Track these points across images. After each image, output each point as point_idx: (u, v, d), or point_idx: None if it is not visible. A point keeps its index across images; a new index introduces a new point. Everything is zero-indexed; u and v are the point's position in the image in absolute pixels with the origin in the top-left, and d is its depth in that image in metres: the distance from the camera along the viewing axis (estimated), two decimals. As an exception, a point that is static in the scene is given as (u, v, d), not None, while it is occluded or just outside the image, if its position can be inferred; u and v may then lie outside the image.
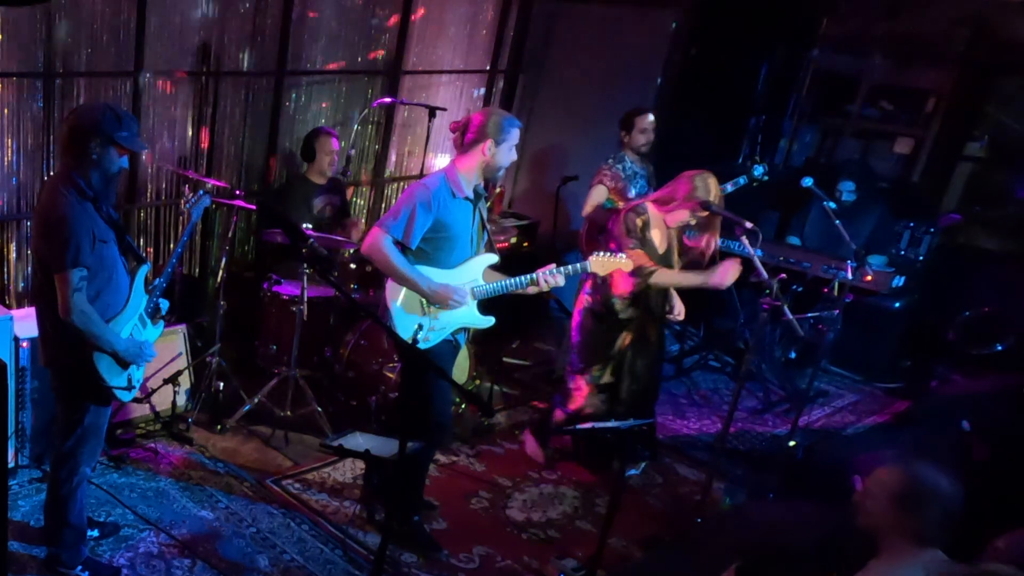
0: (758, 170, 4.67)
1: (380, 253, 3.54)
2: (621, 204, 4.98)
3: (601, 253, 3.79)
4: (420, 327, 3.54)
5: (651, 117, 5.32)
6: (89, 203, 3.04)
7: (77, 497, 3.40)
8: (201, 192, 3.62)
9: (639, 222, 4.13)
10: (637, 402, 4.42)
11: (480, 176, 3.58)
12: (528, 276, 3.67)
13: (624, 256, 3.81)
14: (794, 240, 6.03)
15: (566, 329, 5.39)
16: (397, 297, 3.65)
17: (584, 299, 4.43)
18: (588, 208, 5.32)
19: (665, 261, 4.23)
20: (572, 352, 4.49)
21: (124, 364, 3.21)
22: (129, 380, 3.28)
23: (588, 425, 3.76)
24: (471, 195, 3.59)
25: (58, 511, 3.40)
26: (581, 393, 4.45)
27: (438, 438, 3.94)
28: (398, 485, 3.81)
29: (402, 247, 3.55)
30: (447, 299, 3.57)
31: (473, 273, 3.67)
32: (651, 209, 4.18)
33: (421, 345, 3.58)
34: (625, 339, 4.33)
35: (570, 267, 3.75)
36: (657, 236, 4.19)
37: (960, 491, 2.36)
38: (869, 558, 2.48)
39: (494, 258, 3.74)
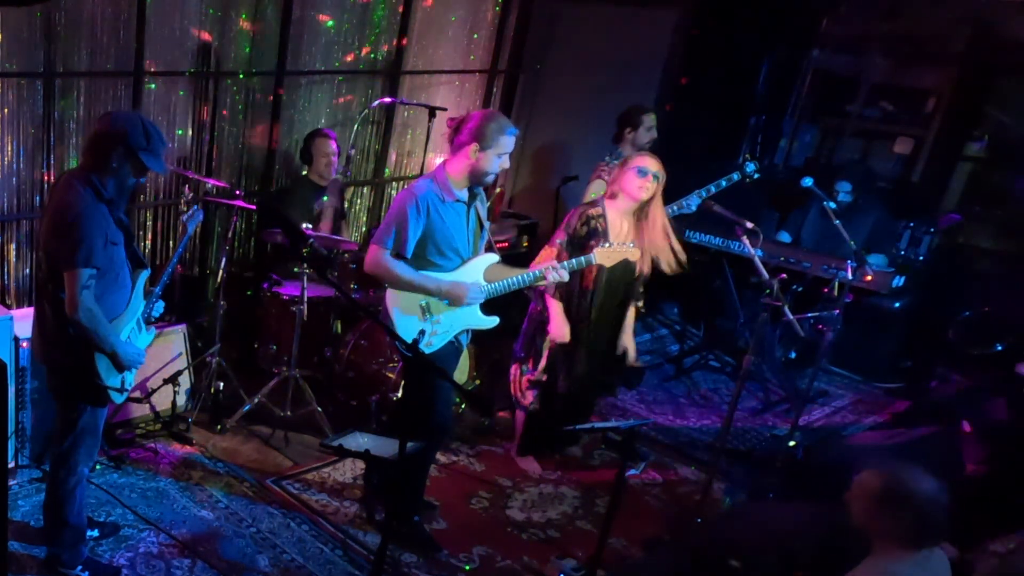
0: (750, 167, 4.70)
1: (382, 268, 3.54)
2: None
3: (606, 244, 3.77)
4: (423, 332, 3.53)
5: (654, 115, 5.34)
6: (104, 205, 3.05)
7: (76, 497, 3.40)
8: (196, 207, 3.67)
9: (585, 217, 4.09)
10: (574, 396, 4.41)
11: (468, 180, 3.52)
12: (532, 273, 3.66)
13: (632, 244, 3.78)
14: (784, 237, 6.04)
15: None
16: (397, 303, 3.64)
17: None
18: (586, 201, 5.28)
19: (624, 262, 4.03)
20: (518, 339, 4.45)
21: (120, 367, 3.21)
22: (122, 382, 3.29)
23: (588, 425, 3.76)
24: (463, 197, 3.55)
25: (57, 511, 3.40)
26: (519, 385, 4.44)
27: (439, 439, 3.94)
28: (398, 485, 3.81)
29: (400, 257, 3.54)
30: (462, 296, 3.55)
31: (474, 275, 3.65)
32: (608, 206, 4.12)
33: (426, 350, 3.57)
34: (554, 337, 4.24)
35: (574, 260, 3.74)
36: (615, 234, 4.09)
37: (942, 494, 2.37)
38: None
39: (495, 257, 3.73)
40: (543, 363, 4.33)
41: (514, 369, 4.49)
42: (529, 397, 4.44)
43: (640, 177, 4.00)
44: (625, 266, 4.05)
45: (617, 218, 4.12)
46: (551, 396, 4.40)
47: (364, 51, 5.82)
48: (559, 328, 4.18)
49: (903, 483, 2.41)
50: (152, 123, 3.11)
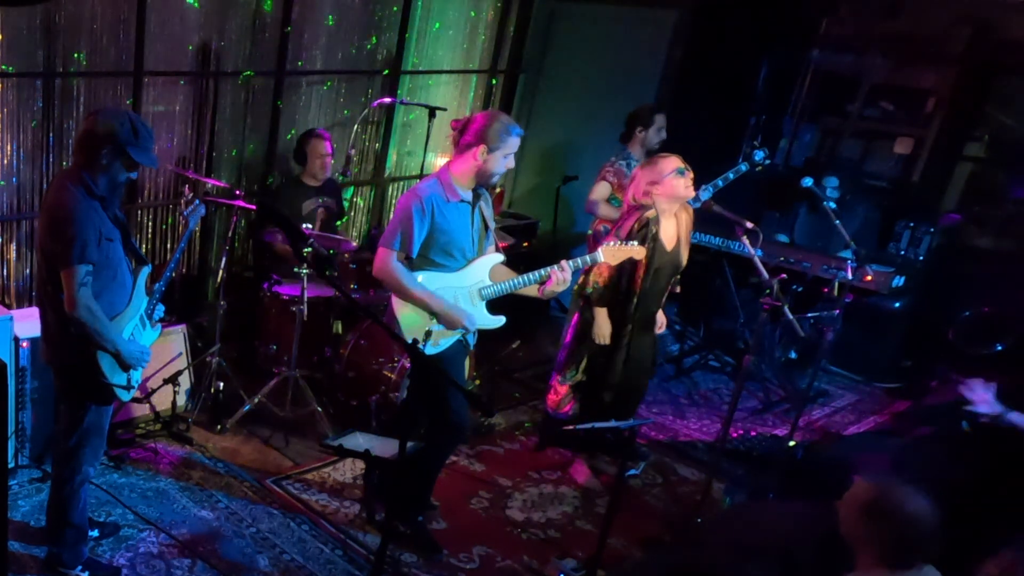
0: (759, 155, 4.65)
1: (389, 274, 3.54)
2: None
3: (612, 242, 3.77)
4: (429, 333, 3.53)
5: (664, 115, 5.33)
6: (96, 201, 3.05)
7: (80, 496, 3.40)
8: (197, 202, 3.67)
9: (645, 220, 4.11)
10: (617, 404, 4.38)
11: (474, 180, 3.54)
12: (538, 272, 3.65)
13: (636, 243, 3.79)
14: (782, 238, 6.03)
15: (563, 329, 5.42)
16: (405, 304, 3.64)
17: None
18: (590, 205, 5.24)
19: (673, 260, 4.21)
20: (561, 350, 4.52)
21: (124, 366, 3.21)
22: (128, 380, 3.28)
23: (588, 425, 3.76)
24: (467, 197, 3.56)
25: (60, 510, 3.40)
26: (557, 394, 4.52)
27: (454, 438, 3.90)
28: (401, 485, 3.81)
29: (405, 258, 3.55)
30: (458, 323, 3.57)
31: (479, 274, 3.65)
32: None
33: (432, 350, 3.57)
34: (596, 338, 4.30)
35: (579, 259, 3.73)
36: (665, 236, 4.17)
37: (932, 514, 2.32)
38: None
39: (500, 257, 3.72)
40: (583, 364, 4.41)
41: (555, 378, 4.54)
42: (569, 407, 4.50)
43: (681, 177, 4.11)
44: (672, 266, 4.23)
45: (665, 222, 4.18)
46: (593, 404, 4.45)
47: (364, 51, 5.82)
48: (602, 328, 4.25)
49: (891, 498, 2.36)
50: (139, 118, 3.13)
